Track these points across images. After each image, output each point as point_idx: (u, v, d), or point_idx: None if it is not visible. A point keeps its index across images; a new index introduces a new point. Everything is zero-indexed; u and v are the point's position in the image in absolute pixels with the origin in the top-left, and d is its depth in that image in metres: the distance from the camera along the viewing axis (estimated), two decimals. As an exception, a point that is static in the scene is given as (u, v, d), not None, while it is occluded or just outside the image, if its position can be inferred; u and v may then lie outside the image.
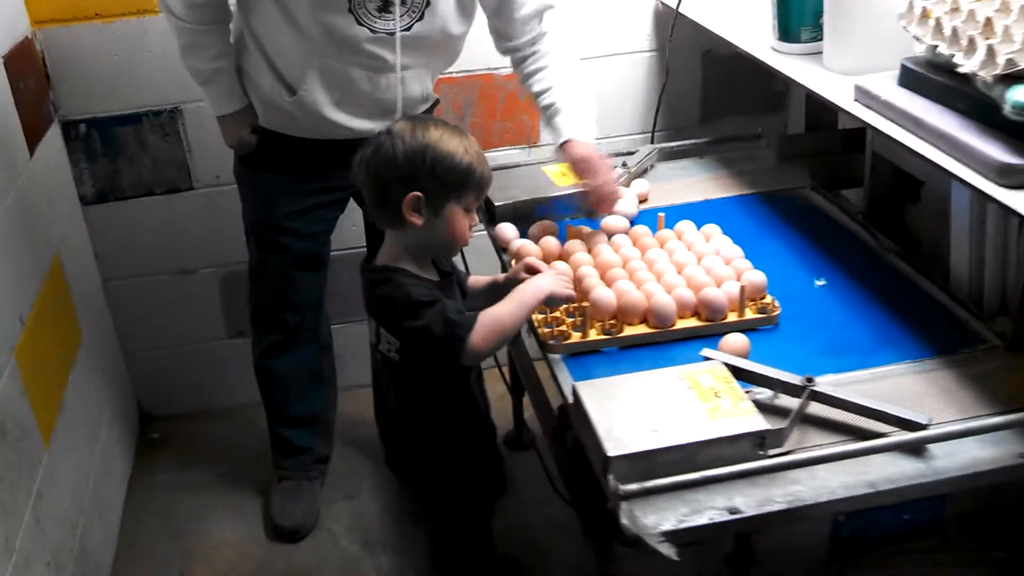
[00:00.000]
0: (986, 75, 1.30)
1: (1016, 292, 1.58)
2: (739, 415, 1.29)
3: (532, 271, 1.58)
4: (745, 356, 1.46)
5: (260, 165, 1.99)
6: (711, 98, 2.59)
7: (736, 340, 1.48)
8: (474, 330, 1.44)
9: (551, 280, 1.52)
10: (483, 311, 1.47)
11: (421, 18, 1.76)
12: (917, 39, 1.48)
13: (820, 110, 2.33)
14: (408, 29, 1.76)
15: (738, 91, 2.58)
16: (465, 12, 1.83)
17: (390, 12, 1.72)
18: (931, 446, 1.30)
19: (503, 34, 1.90)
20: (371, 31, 1.74)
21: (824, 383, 1.38)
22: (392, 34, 1.75)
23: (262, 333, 2.17)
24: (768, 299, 1.62)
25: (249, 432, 2.52)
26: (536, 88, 1.89)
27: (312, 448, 2.28)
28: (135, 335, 2.52)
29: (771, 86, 2.59)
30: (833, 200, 2.01)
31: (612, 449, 1.24)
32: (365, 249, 2.42)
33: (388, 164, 1.45)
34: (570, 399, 1.41)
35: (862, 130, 2.05)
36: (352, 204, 2.12)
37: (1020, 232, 1.56)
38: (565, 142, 1.83)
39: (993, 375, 1.45)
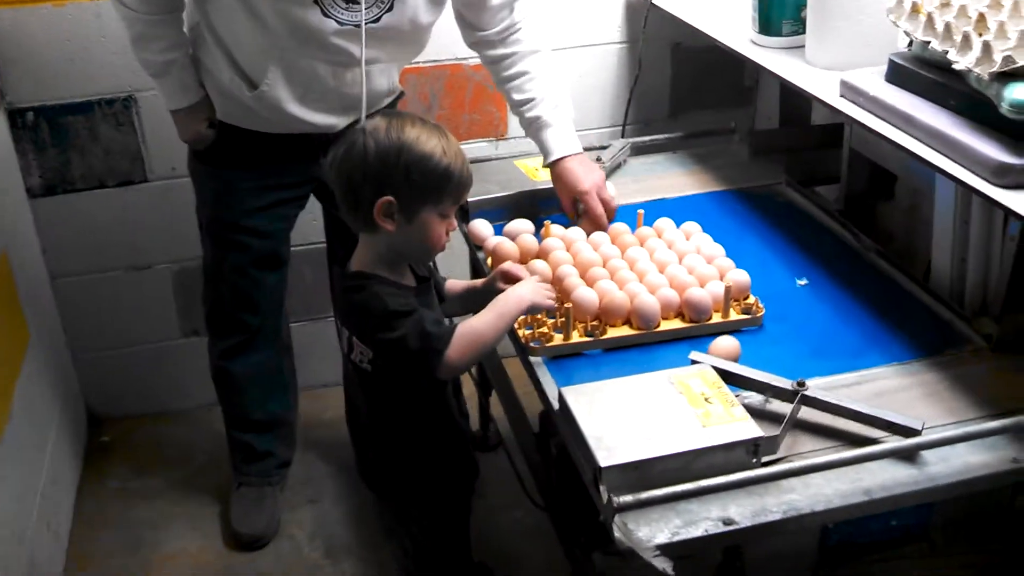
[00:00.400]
0: (982, 72, 1.27)
1: (999, 292, 1.56)
2: (732, 422, 1.25)
3: (511, 280, 1.51)
4: (736, 359, 1.42)
5: (217, 160, 1.91)
6: (680, 92, 2.55)
7: (727, 343, 1.44)
8: (451, 344, 1.37)
9: (532, 290, 1.46)
10: (461, 323, 1.41)
11: (390, 9, 1.68)
12: (907, 34, 1.45)
13: (792, 105, 2.31)
14: (377, 20, 1.68)
15: (707, 85, 2.55)
16: (436, 0, 1.77)
17: (357, 3, 1.65)
18: (924, 451, 1.27)
19: (473, 23, 1.84)
20: (338, 23, 1.66)
21: (813, 386, 1.35)
22: (359, 26, 1.67)
23: (220, 336, 2.08)
24: (752, 299, 1.58)
25: (205, 435, 2.43)
26: (517, 97, 1.83)
27: (274, 453, 2.20)
28: (84, 334, 2.41)
29: (741, 80, 2.56)
30: (809, 197, 1.99)
31: (604, 459, 1.19)
32: (325, 245, 2.35)
33: (359, 165, 1.36)
34: (555, 405, 1.36)
35: (838, 126, 2.02)
36: (312, 198, 2.05)
37: (1004, 231, 1.55)
38: (557, 160, 1.80)
39: (981, 377, 1.43)
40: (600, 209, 1.79)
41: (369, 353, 1.43)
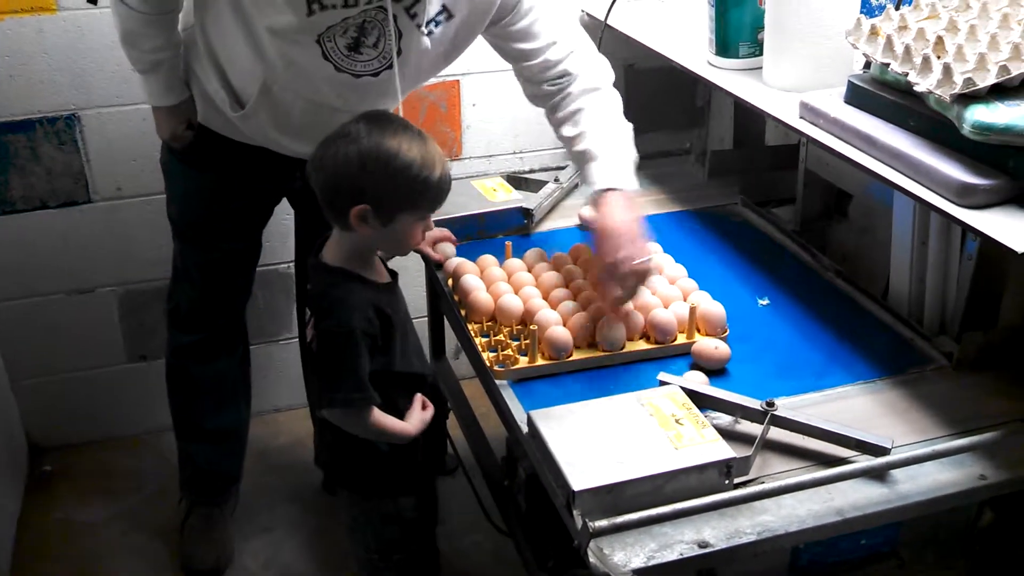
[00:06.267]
0: (943, 94, 1.28)
1: (958, 312, 1.58)
2: (704, 443, 1.24)
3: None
4: (726, 362, 1.41)
5: (190, 159, 1.85)
6: (632, 113, 2.54)
7: (712, 345, 1.44)
8: (366, 409, 1.43)
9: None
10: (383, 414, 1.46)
11: (390, 67, 1.62)
12: (866, 56, 1.46)
13: (746, 126, 2.33)
14: (376, 75, 1.63)
15: (659, 106, 2.55)
16: (447, 60, 1.71)
17: (360, 53, 1.59)
18: (894, 470, 1.27)
19: (528, 79, 1.75)
20: (336, 68, 1.60)
21: (781, 406, 1.35)
22: (358, 76, 1.61)
23: (179, 333, 2.03)
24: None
25: (153, 462, 2.36)
26: (567, 133, 1.72)
27: (223, 467, 2.14)
28: (24, 360, 2.32)
29: (693, 101, 2.58)
30: (765, 216, 2.00)
31: (577, 483, 1.18)
32: (282, 265, 2.31)
33: (339, 171, 1.38)
34: (524, 429, 1.34)
35: (793, 147, 2.04)
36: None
37: (962, 252, 1.57)
38: (600, 193, 1.60)
39: (944, 395, 1.45)
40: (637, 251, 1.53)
41: None
